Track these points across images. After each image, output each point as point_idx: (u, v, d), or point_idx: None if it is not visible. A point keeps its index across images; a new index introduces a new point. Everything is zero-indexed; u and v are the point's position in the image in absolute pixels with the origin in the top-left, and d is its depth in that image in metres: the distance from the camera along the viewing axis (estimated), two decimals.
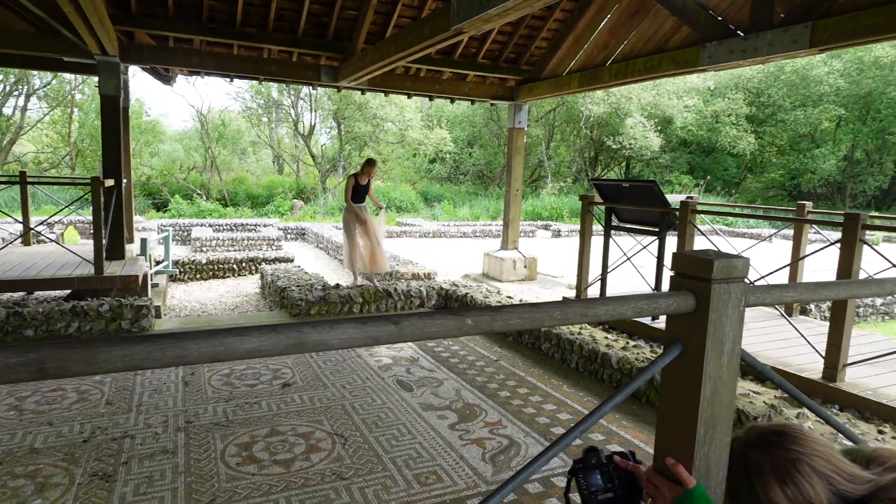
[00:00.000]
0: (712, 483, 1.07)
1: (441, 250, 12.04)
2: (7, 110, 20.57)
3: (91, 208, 5.70)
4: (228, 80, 7.83)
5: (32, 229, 7.25)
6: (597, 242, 5.76)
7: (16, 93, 20.51)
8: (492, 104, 9.21)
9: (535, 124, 24.40)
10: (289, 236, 13.88)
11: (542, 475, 2.86)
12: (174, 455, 2.99)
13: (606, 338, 4.65)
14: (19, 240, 7.40)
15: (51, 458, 2.94)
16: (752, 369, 1.19)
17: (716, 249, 1.19)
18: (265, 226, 13.65)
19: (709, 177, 24.77)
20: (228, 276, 8.93)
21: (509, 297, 6.44)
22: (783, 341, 4.53)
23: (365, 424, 3.41)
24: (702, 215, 5.03)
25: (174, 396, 3.75)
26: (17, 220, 7.70)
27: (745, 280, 1.05)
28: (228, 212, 17.83)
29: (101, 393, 3.78)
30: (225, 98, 42.79)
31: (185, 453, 3.01)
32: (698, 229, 4.89)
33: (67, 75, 20.37)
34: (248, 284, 8.40)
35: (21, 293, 6.59)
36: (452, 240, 14.38)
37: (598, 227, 6.15)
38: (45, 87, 20.99)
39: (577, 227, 16.56)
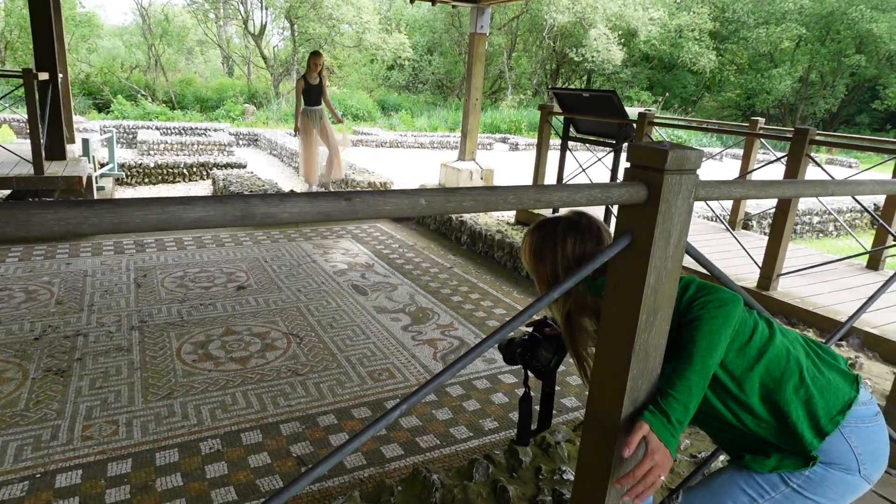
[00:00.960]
0: (649, 366, 1.14)
1: (398, 160, 11.86)
2: None
3: (26, 105, 5.30)
4: None
5: None
6: (553, 156, 5.76)
7: None
8: (454, 6, 8.80)
9: (497, 32, 23.58)
10: (241, 142, 13.37)
11: (464, 378, 3.00)
12: (129, 352, 2.99)
13: None
14: None
15: (2, 354, 2.89)
16: (695, 267, 1.23)
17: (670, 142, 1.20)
18: (216, 130, 13.07)
19: (668, 94, 24.76)
20: (178, 181, 8.63)
21: None
22: (725, 252, 4.74)
23: (320, 325, 3.46)
24: (658, 129, 5.06)
25: (126, 297, 3.70)
26: None
27: (697, 173, 1.07)
28: (176, 115, 16.91)
29: (50, 293, 3.69)
30: None
31: (140, 351, 3.01)
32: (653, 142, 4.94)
33: None
34: (200, 189, 8.14)
35: None
36: (410, 150, 14.14)
37: (555, 142, 6.13)
38: None
39: (535, 140, 16.48)
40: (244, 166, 9.11)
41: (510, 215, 6.02)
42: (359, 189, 7.37)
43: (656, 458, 1.06)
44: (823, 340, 1.42)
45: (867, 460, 1.18)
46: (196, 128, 13.16)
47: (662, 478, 1.07)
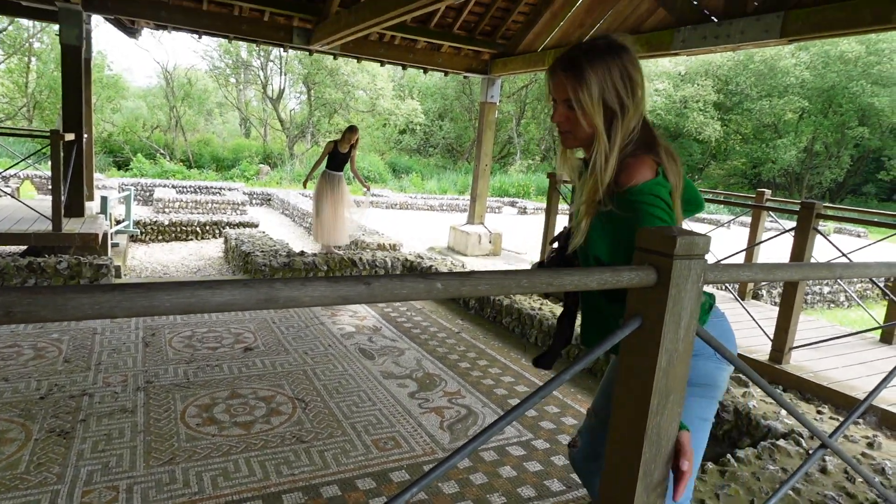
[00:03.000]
0: (662, 451, 1.13)
1: (407, 222, 12.02)
2: None
3: (49, 163, 5.48)
4: (197, 36, 7.56)
5: None
6: (561, 222, 5.85)
7: None
8: (465, 77, 9.16)
9: (506, 100, 24.34)
10: (254, 201, 13.63)
11: (497, 444, 2.94)
12: (133, 414, 2.96)
13: None
14: None
15: (6, 413, 2.88)
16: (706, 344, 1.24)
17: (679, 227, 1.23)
18: (230, 189, 13.37)
19: None
20: (191, 239, 8.76)
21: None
22: (735, 323, 4.68)
23: (326, 390, 3.43)
24: None
25: (134, 356, 3.70)
26: None
27: (705, 258, 1.09)
28: (193, 173, 17.37)
29: (59, 350, 3.70)
30: (192, 56, 41.43)
31: (144, 412, 2.99)
32: None
33: (25, 22, 19.33)
34: (212, 248, 8.25)
35: None
36: (419, 212, 14.35)
37: (564, 206, 6.22)
38: (0, 32, 19.90)
39: (543, 205, 16.70)
40: (256, 226, 9.25)
41: None
42: (368, 249, 7.45)
43: (686, 451, 1.14)
44: (840, 418, 1.43)
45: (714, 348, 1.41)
46: (211, 187, 13.46)
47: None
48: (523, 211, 15.95)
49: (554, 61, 1.44)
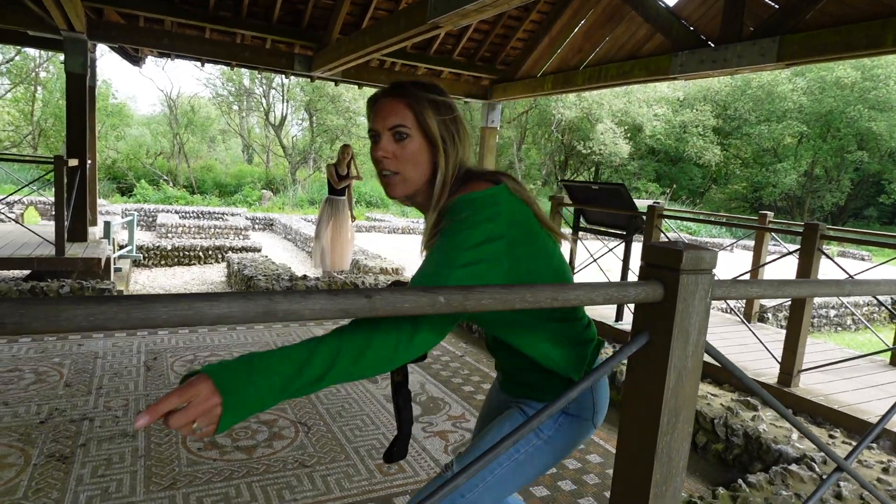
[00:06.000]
0: (673, 470, 1.10)
1: (409, 247, 12.02)
2: None
3: (53, 189, 5.51)
4: (200, 64, 7.66)
5: None
6: (565, 245, 5.84)
7: None
8: (465, 102, 9.23)
9: (507, 126, 24.55)
10: (256, 226, 13.67)
11: None
12: (134, 438, 2.92)
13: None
14: None
15: (6, 438, 2.83)
16: (713, 363, 1.21)
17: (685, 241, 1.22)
18: (233, 215, 13.42)
19: (675, 185, 25.30)
20: (194, 264, 8.76)
21: None
22: (741, 346, 4.66)
23: (329, 414, 3.38)
24: (667, 221, 5.13)
25: (135, 380, 3.66)
26: None
27: (713, 273, 1.07)
28: (195, 199, 17.45)
29: (60, 375, 3.67)
30: (195, 84, 42.05)
31: (145, 437, 2.94)
32: (664, 234, 5.00)
33: (32, 52, 19.68)
34: (214, 273, 8.24)
35: None
36: (421, 237, 14.36)
37: (567, 230, 6.23)
38: (7, 62, 20.25)
39: None
40: (259, 250, 9.26)
41: None
42: (371, 273, 7.43)
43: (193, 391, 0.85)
44: (853, 443, 1.38)
45: (601, 408, 1.36)
46: (214, 212, 13.52)
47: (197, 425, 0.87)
48: None
49: (378, 92, 1.29)
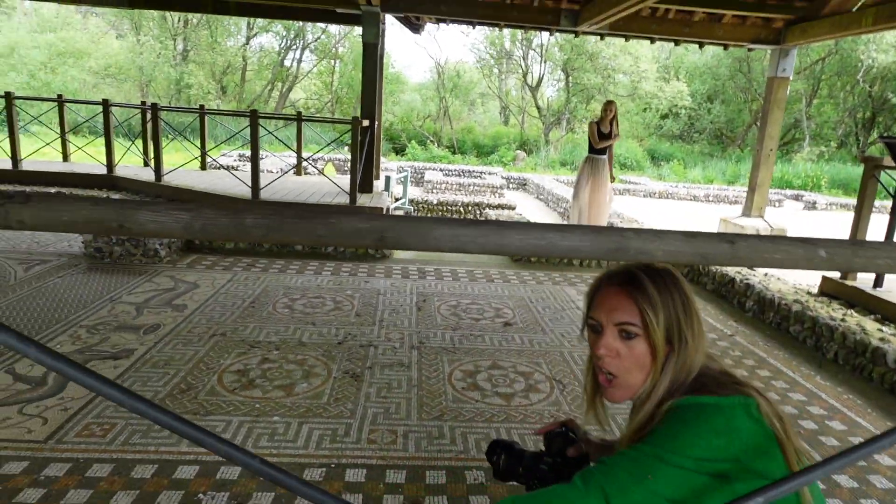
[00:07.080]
0: None
1: (667, 212, 11.23)
2: (286, 62, 24.16)
3: (345, 149, 6.38)
4: (471, 26, 8.02)
5: (306, 160, 8.41)
6: (878, 221, 4.80)
7: (294, 47, 23.88)
8: (749, 49, 8.10)
9: (795, 77, 21.10)
10: (510, 185, 14.12)
11: None
12: (409, 369, 3.26)
13: (880, 330, 3.89)
14: (292, 170, 8.63)
15: (314, 352, 3.41)
16: None
17: None
18: (489, 174, 14.04)
19: None
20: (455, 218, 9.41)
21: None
22: None
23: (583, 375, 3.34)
24: None
25: (409, 318, 4.08)
26: (293, 153, 8.93)
27: None
28: (456, 158, 18.75)
29: (352, 305, 4.27)
30: (461, 50, 44.41)
31: (417, 369, 3.26)
32: None
33: (333, 29, 22.92)
34: None
35: None
36: (681, 202, 13.29)
37: (881, 203, 5.11)
38: (315, 41, 23.98)
39: (838, 199, 14.11)
40: (513, 208, 9.54)
41: (812, 283, 5.16)
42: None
43: None
44: None
45: None
46: (472, 170, 14.31)
47: None
48: (812, 206, 13.71)
49: (603, 276, 1.12)
